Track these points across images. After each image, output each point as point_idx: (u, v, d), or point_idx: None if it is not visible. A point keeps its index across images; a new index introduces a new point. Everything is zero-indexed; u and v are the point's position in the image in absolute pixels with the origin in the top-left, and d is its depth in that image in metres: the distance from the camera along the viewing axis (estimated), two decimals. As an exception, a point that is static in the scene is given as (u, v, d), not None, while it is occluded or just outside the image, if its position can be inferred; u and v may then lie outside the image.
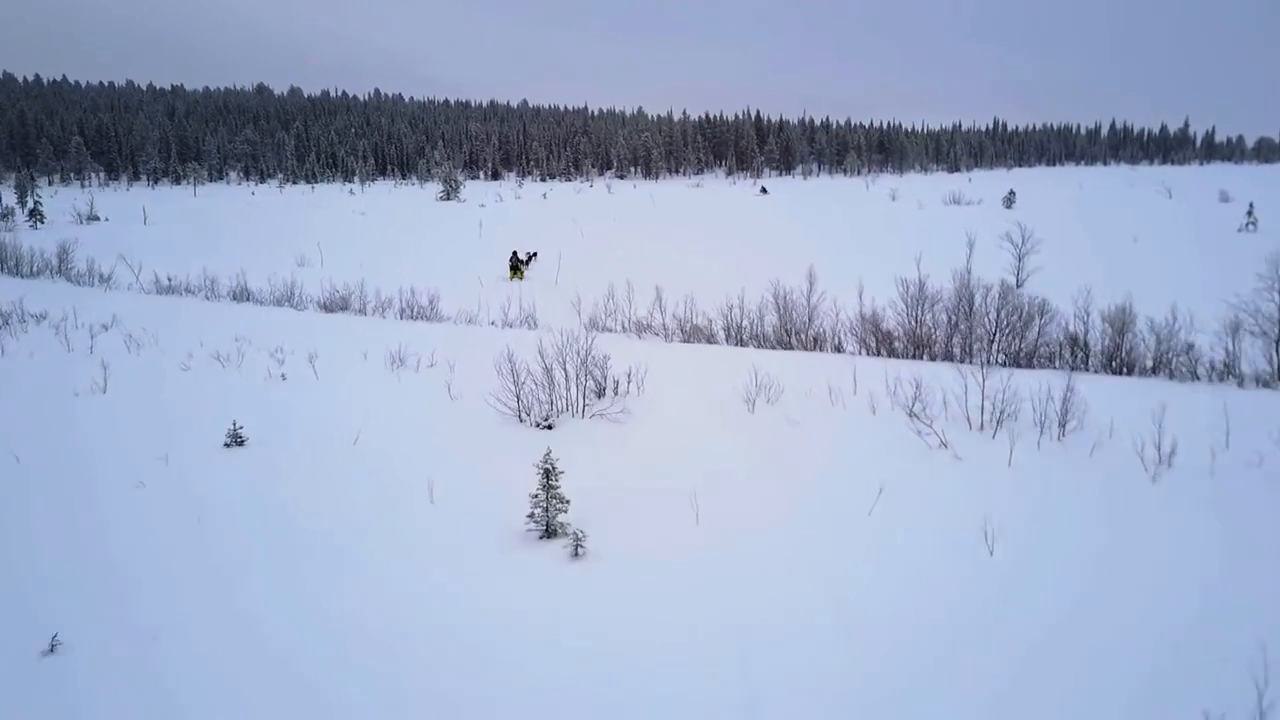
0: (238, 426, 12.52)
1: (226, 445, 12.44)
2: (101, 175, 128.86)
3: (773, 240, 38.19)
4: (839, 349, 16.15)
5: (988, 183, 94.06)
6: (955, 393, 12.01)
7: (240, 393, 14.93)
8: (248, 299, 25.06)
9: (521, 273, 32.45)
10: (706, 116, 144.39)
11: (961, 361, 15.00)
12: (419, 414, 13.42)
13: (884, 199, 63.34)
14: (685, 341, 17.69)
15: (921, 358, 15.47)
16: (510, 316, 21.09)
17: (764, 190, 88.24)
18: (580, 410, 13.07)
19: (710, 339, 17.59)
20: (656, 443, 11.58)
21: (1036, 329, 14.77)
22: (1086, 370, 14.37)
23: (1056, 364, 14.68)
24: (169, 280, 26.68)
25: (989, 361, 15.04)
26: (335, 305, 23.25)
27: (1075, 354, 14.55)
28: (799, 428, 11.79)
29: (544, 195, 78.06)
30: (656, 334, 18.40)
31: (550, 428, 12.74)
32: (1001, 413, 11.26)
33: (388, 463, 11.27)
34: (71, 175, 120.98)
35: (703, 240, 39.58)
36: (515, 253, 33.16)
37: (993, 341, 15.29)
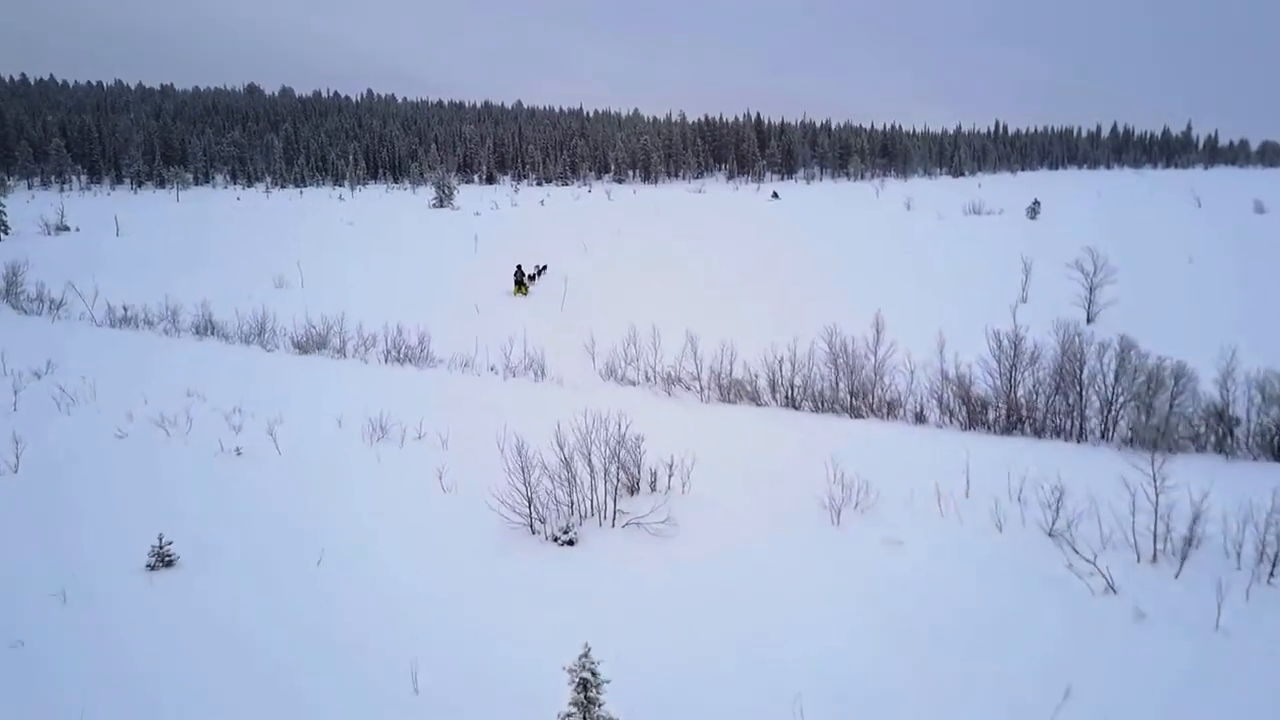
0: (164, 543, 9.59)
1: (150, 567, 9.50)
2: (83, 178, 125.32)
3: (797, 257, 35.38)
4: (920, 417, 13.23)
5: (999, 189, 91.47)
6: (1096, 494, 9.19)
7: (183, 476, 12.01)
8: (212, 333, 22.00)
9: (525, 288, 30.77)
10: (706, 119, 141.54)
11: (1073, 439, 12.13)
12: (402, 517, 10.49)
13: (898, 207, 60.49)
14: (725, 400, 14.78)
15: (1022, 431, 12.61)
16: (513, 360, 18.13)
17: (775, 195, 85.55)
18: (610, 516, 10.16)
19: (755, 397, 14.67)
20: (718, 579, 8.62)
21: (1168, 398, 11.87)
22: (1238, 455, 11.51)
23: (1196, 445, 11.78)
24: (125, 311, 23.62)
25: (1106, 437, 12.17)
26: (311, 344, 20.22)
27: (1220, 432, 11.65)
28: (905, 557, 8.87)
29: (541, 202, 75.05)
30: (688, 388, 15.50)
31: (572, 543, 9.81)
32: (1191, 537, 8.37)
33: (358, 610, 8.31)
34: (52, 178, 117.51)
35: (719, 255, 36.68)
36: (520, 267, 31.41)
37: (1109, 412, 12.42)
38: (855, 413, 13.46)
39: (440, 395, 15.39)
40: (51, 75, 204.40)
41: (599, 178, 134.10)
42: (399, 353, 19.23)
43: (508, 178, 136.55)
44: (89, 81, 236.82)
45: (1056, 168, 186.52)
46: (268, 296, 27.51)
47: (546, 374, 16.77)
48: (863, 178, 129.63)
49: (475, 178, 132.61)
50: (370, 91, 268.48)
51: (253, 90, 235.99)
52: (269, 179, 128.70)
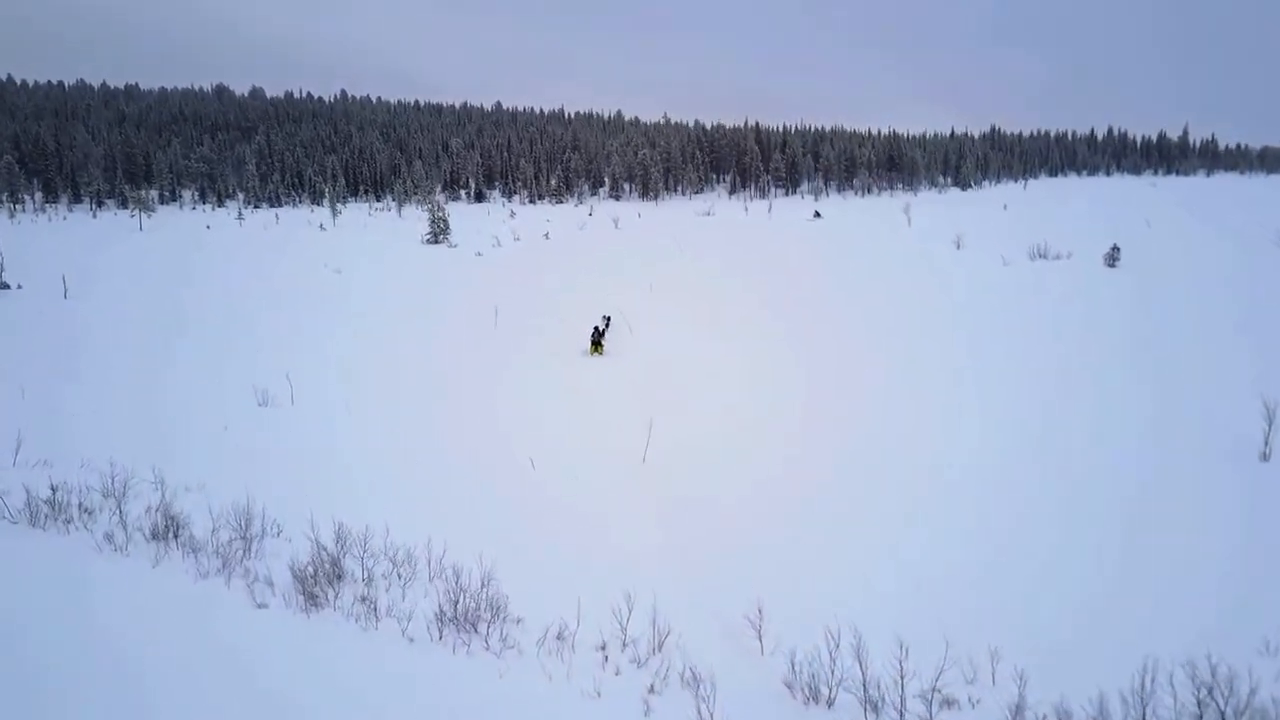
0: None
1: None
2: (38, 197, 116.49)
3: (855, 331, 29.24)
4: None
5: (1027, 209, 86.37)
6: None
7: None
8: (175, 537, 15.23)
9: (601, 347, 28.79)
10: (703, 128, 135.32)
11: None
12: None
13: (945, 245, 54.59)
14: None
15: None
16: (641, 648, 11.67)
17: (817, 215, 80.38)
18: None
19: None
20: None
21: None
22: None
23: None
24: (52, 494, 16.72)
25: None
26: (321, 579, 13.63)
27: None
28: None
29: (546, 235, 68.48)
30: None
31: None
32: None
33: None
34: (3, 197, 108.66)
35: (773, 319, 30.63)
36: (597, 327, 29.60)
37: None
38: None
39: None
40: (9, 75, 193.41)
41: (594, 192, 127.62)
42: (456, 607, 12.72)
43: (496, 191, 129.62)
44: (50, 81, 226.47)
45: (1057, 174, 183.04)
46: (249, 422, 20.85)
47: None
48: (869, 192, 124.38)
49: (463, 193, 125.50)
50: (345, 93, 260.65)
51: (222, 93, 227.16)
52: (241, 196, 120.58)
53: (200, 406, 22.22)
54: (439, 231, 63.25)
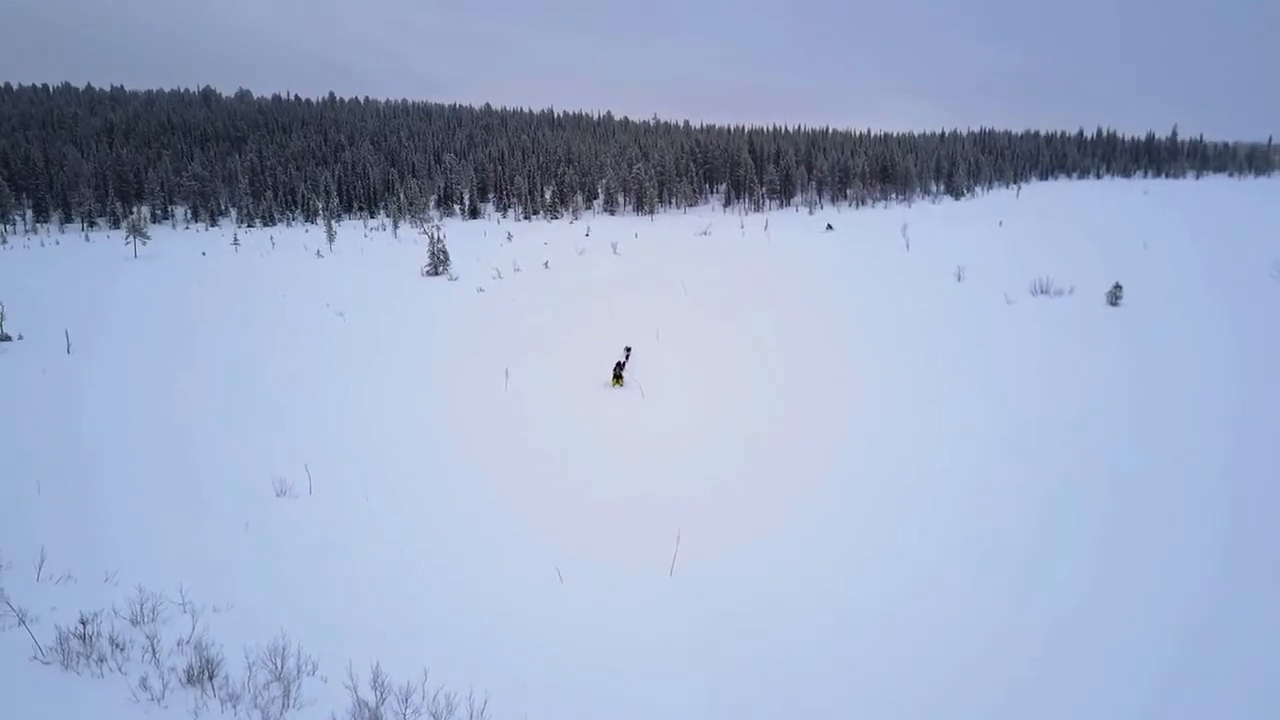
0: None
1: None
2: (28, 215, 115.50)
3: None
4: None
5: (1021, 225, 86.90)
6: None
7: None
8: (210, 680, 15.29)
9: (621, 379, 30.96)
10: (696, 140, 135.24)
11: None
12: None
13: (947, 280, 54.65)
14: None
15: None
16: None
17: (830, 227, 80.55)
18: None
19: None
20: None
21: None
22: None
23: None
24: (83, 628, 16.71)
25: None
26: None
27: None
28: None
29: (545, 264, 68.41)
30: None
31: None
32: None
33: None
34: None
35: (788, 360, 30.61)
36: (619, 363, 31.93)
37: None
38: None
39: None
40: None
41: (588, 204, 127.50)
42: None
43: (491, 206, 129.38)
44: (34, 86, 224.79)
45: (1047, 177, 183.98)
46: (269, 517, 20.80)
47: None
48: (864, 203, 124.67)
49: (457, 209, 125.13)
50: (334, 95, 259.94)
51: (209, 97, 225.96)
52: (235, 213, 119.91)
53: (218, 498, 22.14)
54: (438, 263, 63.12)
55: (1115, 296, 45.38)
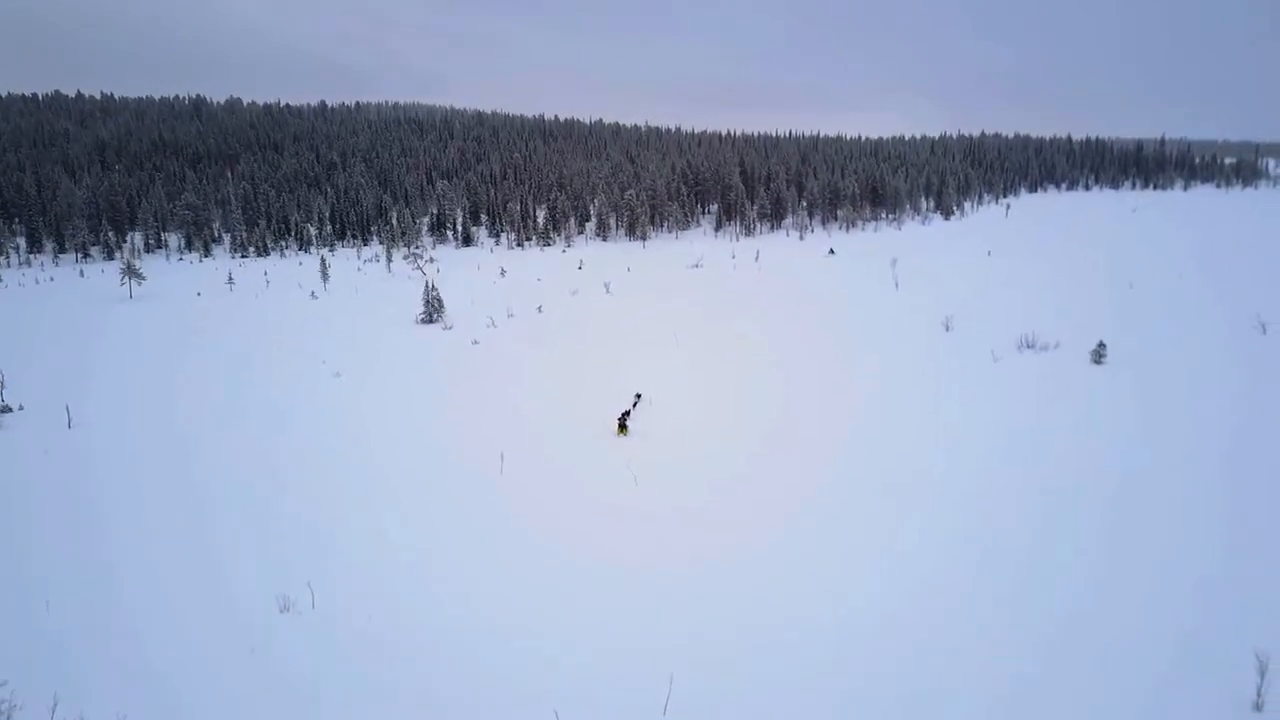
0: None
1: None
2: (21, 247, 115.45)
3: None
4: None
5: (1012, 253, 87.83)
6: None
7: None
8: None
9: (626, 427, 32.39)
10: (689, 163, 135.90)
11: None
12: None
13: (936, 330, 55.32)
14: None
15: None
16: None
17: (831, 252, 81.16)
18: None
19: None
20: None
21: None
22: None
23: None
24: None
25: None
26: None
27: None
28: None
29: (539, 308, 69.01)
30: None
31: None
32: None
33: None
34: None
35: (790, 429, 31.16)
36: (626, 412, 34.08)
37: None
38: None
39: None
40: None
41: (580, 227, 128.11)
42: None
43: (483, 230, 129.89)
44: (24, 94, 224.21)
45: (1036, 189, 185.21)
46: (274, 640, 21.52)
47: None
48: (854, 225, 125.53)
49: (449, 234, 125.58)
50: (325, 104, 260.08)
51: (200, 107, 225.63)
52: (228, 240, 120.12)
53: (221, 617, 22.86)
54: (433, 311, 63.69)
55: (1099, 356, 46.27)
